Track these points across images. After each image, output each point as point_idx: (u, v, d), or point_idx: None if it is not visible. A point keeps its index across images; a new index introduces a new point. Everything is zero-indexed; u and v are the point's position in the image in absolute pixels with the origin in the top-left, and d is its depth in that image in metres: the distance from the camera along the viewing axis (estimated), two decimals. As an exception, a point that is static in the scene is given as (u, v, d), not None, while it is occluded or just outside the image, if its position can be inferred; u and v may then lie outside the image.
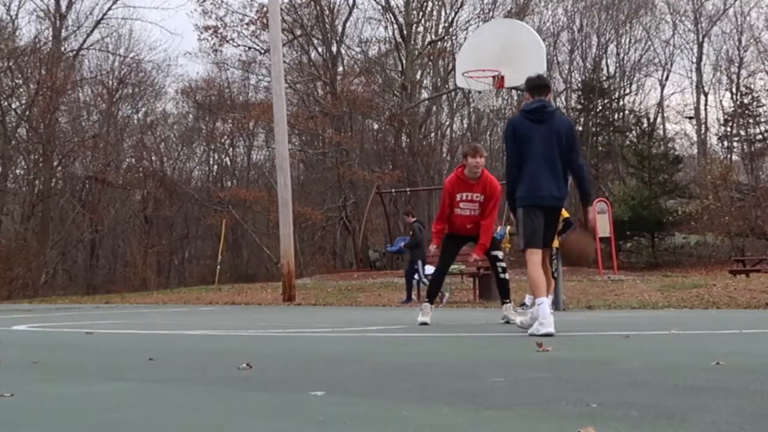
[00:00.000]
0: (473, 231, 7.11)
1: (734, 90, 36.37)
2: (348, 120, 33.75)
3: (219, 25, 32.28)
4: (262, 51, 32.21)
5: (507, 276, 7.40)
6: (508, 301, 7.38)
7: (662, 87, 38.67)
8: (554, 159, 5.45)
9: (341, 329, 6.83)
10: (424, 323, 7.10)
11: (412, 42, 32.94)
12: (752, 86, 35.06)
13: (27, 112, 32.14)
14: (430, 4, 33.98)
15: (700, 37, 37.04)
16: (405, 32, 32.63)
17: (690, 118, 38.78)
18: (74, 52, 34.82)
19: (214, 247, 34.31)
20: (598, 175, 35.84)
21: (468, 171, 7.00)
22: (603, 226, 22.33)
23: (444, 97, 35.50)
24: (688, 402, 2.42)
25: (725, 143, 36.62)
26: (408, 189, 28.96)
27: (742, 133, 35.28)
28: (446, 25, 34.27)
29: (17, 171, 34.64)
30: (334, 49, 33.75)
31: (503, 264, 7.37)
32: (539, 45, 10.99)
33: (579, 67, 37.78)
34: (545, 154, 5.43)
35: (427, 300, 7.41)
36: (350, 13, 33.90)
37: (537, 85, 5.68)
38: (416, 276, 14.70)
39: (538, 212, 5.52)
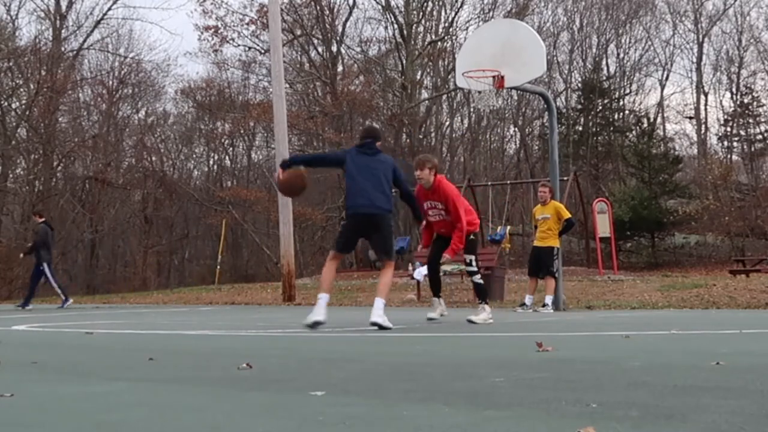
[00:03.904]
0: (447, 234, 7.46)
1: (734, 90, 36.38)
2: (348, 120, 33.73)
3: (219, 25, 32.29)
4: (262, 51, 32.20)
5: (478, 279, 7.66)
6: (480, 302, 7.60)
7: (662, 87, 38.68)
8: (380, 180, 6.73)
9: (341, 329, 6.83)
10: (432, 319, 7.61)
11: (412, 42, 32.92)
12: (752, 86, 35.08)
13: (27, 112, 32.12)
14: (430, 4, 33.97)
15: (700, 37, 37.04)
16: (405, 32, 32.62)
17: (690, 118, 38.78)
18: (74, 52, 34.79)
19: (214, 247, 34.30)
20: (599, 175, 35.84)
21: (422, 183, 7.44)
22: (603, 226, 22.36)
23: (444, 97, 35.48)
24: (688, 402, 2.42)
25: (725, 143, 36.63)
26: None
27: (742, 133, 35.29)
28: (446, 25, 34.27)
29: (17, 171, 34.64)
30: (334, 49, 33.74)
31: (472, 268, 7.61)
32: (539, 45, 10.97)
33: (579, 67, 37.80)
34: (371, 176, 6.72)
35: (435, 296, 7.89)
36: (350, 13, 33.93)
37: (365, 135, 7.17)
38: (44, 278, 14.78)
39: (356, 222, 6.79)
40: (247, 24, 32.45)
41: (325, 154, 7.48)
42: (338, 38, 33.80)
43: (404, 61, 32.78)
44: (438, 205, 7.43)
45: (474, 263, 7.61)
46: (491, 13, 33.55)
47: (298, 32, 32.65)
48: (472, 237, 7.55)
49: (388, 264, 6.89)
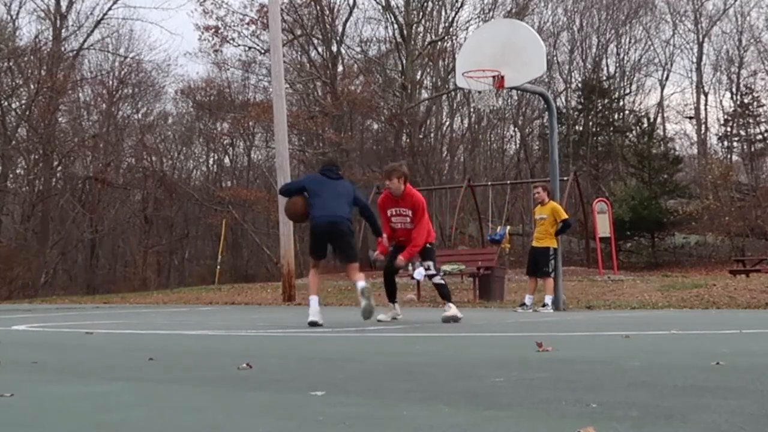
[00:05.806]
0: (406, 243, 7.72)
1: (734, 90, 36.36)
2: (348, 120, 33.73)
3: (219, 25, 32.29)
4: (262, 51, 32.20)
5: (439, 280, 7.87)
6: (445, 302, 7.85)
7: (662, 87, 38.64)
8: (342, 196, 7.26)
9: (341, 329, 6.83)
10: (381, 320, 7.65)
11: (412, 42, 32.92)
12: (752, 86, 35.06)
13: (27, 112, 32.12)
14: (430, 4, 33.97)
15: (700, 37, 37.02)
16: (405, 32, 32.61)
17: (690, 118, 38.76)
18: (74, 52, 34.78)
19: (214, 247, 34.30)
20: (599, 175, 35.84)
21: (391, 191, 7.69)
22: (603, 226, 22.35)
23: (444, 97, 35.48)
24: (688, 402, 2.42)
25: (725, 143, 36.62)
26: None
27: (742, 133, 35.27)
28: (446, 25, 34.26)
29: (17, 171, 34.65)
30: (334, 49, 33.75)
31: (431, 272, 7.85)
32: (539, 45, 10.96)
33: (579, 67, 37.78)
34: (335, 193, 7.25)
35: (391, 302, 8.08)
36: (350, 13, 33.93)
37: (328, 164, 7.75)
38: None
39: (321, 231, 7.18)
40: (247, 24, 32.48)
41: (290, 184, 8.19)
42: (338, 38, 33.82)
43: (404, 61, 32.77)
44: (405, 212, 7.68)
45: (432, 268, 7.85)
46: (491, 13, 33.56)
47: (298, 32, 32.65)
48: (429, 246, 7.78)
49: (352, 267, 7.26)
